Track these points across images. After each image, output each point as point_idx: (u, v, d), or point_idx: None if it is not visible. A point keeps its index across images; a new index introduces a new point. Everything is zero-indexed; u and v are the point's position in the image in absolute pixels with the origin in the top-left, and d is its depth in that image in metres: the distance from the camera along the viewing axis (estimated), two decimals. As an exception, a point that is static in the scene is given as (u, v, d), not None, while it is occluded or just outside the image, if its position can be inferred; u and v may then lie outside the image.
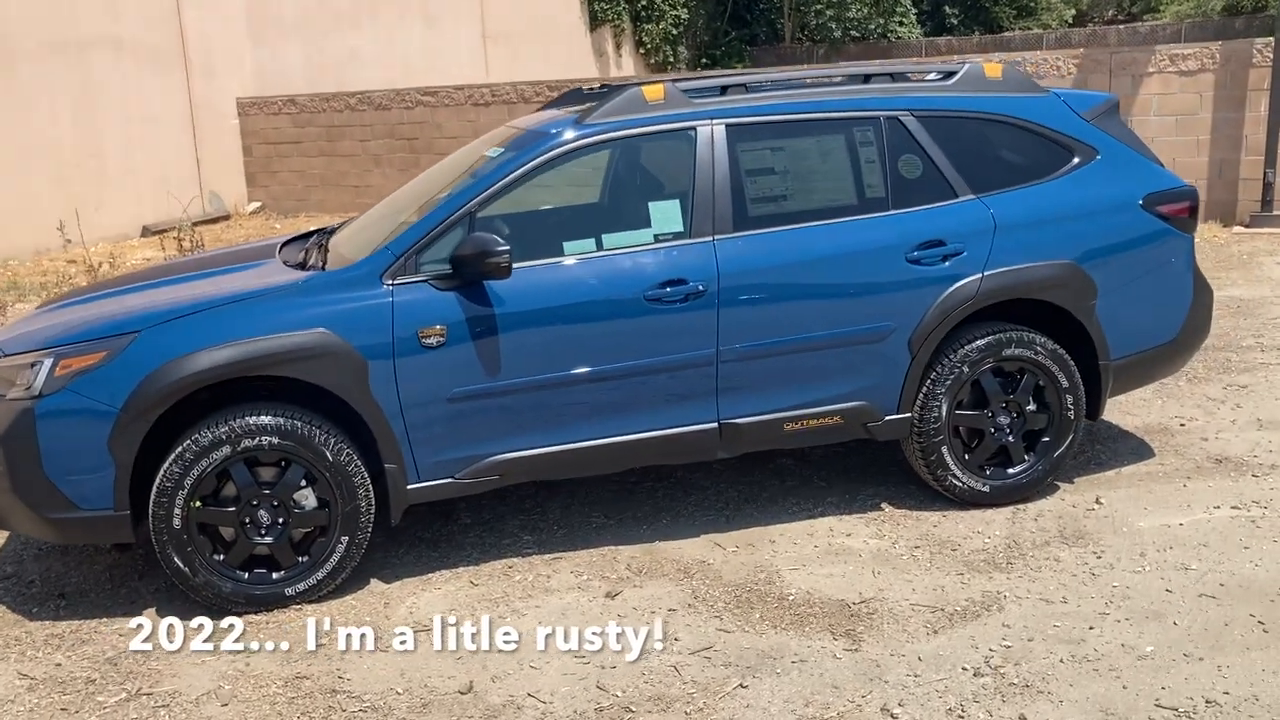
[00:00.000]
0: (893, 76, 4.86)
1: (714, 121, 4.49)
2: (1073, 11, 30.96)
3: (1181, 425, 5.67)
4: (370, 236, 4.47)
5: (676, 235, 4.41)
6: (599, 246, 4.41)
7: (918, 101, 4.70)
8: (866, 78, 4.86)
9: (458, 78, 17.25)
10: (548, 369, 4.25)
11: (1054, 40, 23.22)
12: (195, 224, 13.80)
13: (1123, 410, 5.88)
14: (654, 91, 4.50)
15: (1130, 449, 5.38)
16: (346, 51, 16.54)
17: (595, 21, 21.43)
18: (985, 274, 4.57)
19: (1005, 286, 4.61)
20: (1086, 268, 4.68)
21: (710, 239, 4.39)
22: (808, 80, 4.87)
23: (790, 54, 24.59)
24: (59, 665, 3.89)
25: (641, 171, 4.84)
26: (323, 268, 4.44)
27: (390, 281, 4.16)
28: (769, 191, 4.64)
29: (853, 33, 25.38)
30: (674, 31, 22.75)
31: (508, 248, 4.04)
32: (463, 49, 18.59)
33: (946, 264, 4.55)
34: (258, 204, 15.28)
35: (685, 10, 23.00)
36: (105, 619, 4.18)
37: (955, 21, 29.27)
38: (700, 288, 4.32)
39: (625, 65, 22.31)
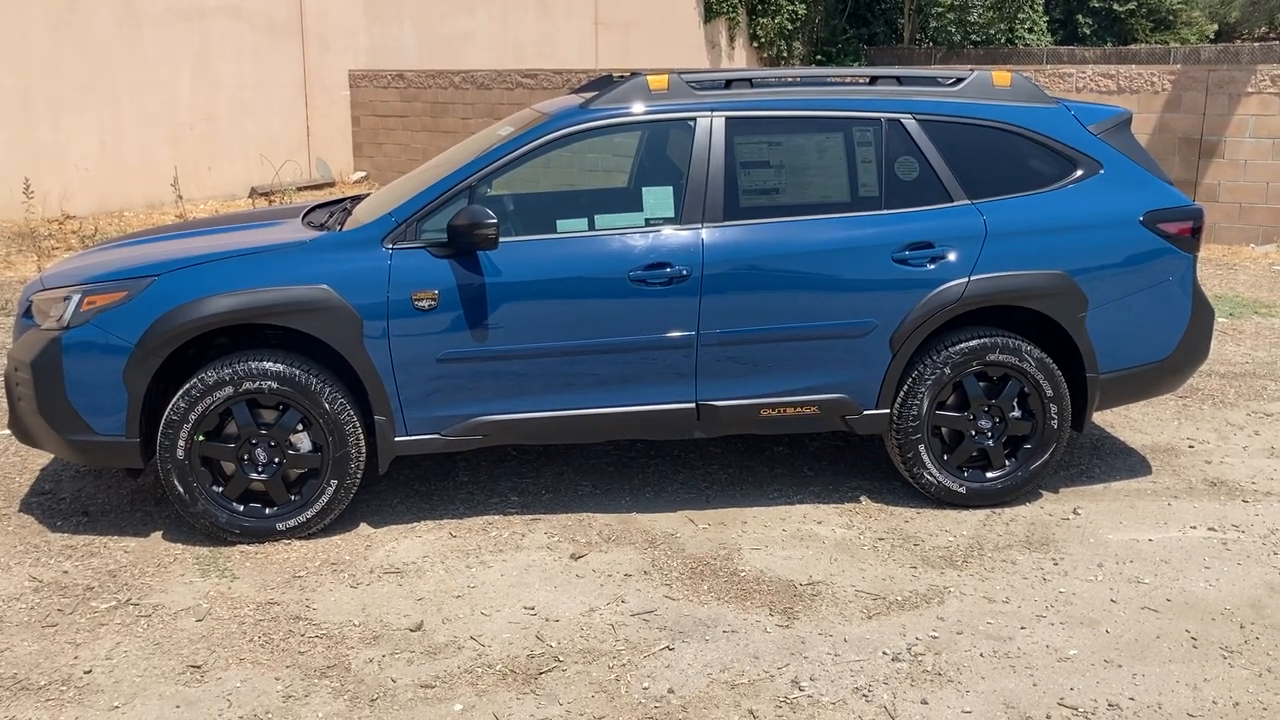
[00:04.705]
0: (899, 80, 4.95)
1: (714, 113, 4.66)
2: (1214, 27, 29.92)
3: (1190, 447, 5.63)
4: (385, 204, 4.77)
5: (667, 220, 4.60)
6: (591, 227, 4.63)
7: (920, 105, 4.78)
8: (873, 80, 4.97)
9: (567, 63, 17.65)
10: (533, 339, 4.49)
11: (1182, 55, 22.50)
12: (300, 189, 14.51)
13: (1134, 428, 5.86)
14: (659, 81, 4.69)
15: (1128, 465, 5.37)
16: (460, 33, 17.04)
17: (710, 14, 21.54)
18: (972, 278, 4.64)
19: (991, 292, 4.67)
20: (1078, 279, 4.71)
21: (699, 226, 4.56)
22: (815, 79, 5.00)
23: (908, 55, 24.35)
24: (66, 573, 4.29)
25: (639, 157, 5.04)
26: (339, 230, 4.75)
27: (390, 246, 4.44)
28: (762, 184, 4.79)
29: (973, 37, 25.03)
30: (789, 26, 22.71)
31: (495, 220, 4.29)
32: (574, 36, 18.96)
33: (933, 266, 4.64)
34: (363, 173, 15.88)
35: (803, 5, 22.94)
36: (116, 536, 4.59)
37: (1088, 31, 28.63)
38: (684, 272, 4.50)
39: (738, 58, 22.39)
